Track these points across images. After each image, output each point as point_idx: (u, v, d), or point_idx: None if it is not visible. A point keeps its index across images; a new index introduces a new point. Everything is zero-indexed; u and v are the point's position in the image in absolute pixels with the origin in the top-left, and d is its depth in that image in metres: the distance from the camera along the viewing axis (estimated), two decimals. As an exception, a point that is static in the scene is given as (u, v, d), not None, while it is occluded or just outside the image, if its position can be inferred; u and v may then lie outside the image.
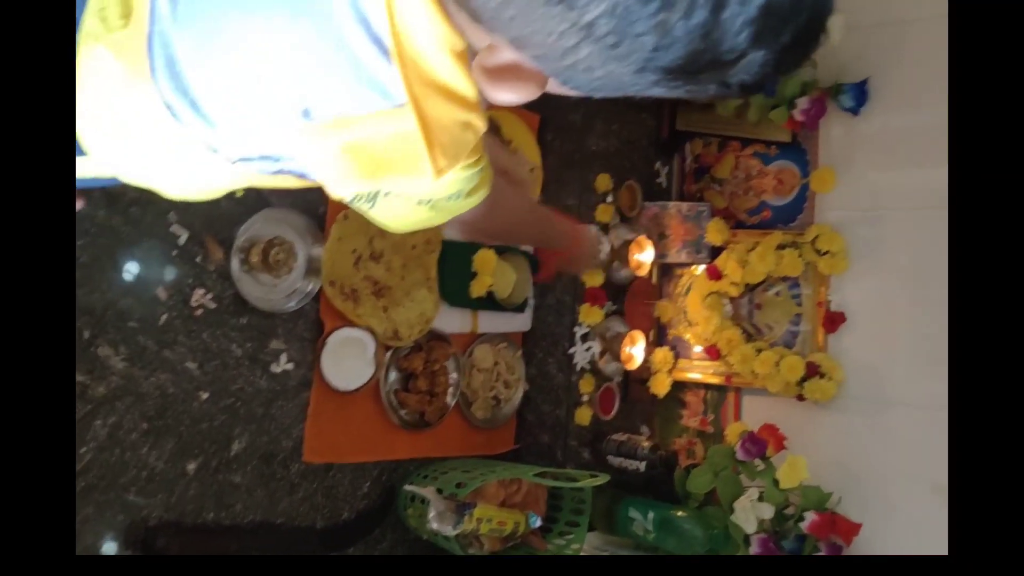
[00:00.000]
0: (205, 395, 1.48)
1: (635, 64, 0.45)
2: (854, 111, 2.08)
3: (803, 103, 2.02)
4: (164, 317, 1.43)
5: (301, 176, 0.65)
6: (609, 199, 2.14)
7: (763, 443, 1.98)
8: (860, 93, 2.07)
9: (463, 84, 0.54)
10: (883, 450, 2.03)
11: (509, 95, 0.54)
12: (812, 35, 0.46)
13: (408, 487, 1.60)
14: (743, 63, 0.45)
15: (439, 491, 1.59)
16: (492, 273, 1.93)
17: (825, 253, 2.09)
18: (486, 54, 0.53)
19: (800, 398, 2.07)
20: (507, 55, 0.51)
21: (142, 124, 0.68)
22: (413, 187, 0.60)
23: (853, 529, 1.85)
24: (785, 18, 0.44)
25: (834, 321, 2.09)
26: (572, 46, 0.45)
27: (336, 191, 0.61)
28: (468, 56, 0.54)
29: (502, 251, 1.97)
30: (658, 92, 0.48)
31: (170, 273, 1.44)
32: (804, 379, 2.06)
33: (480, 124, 0.57)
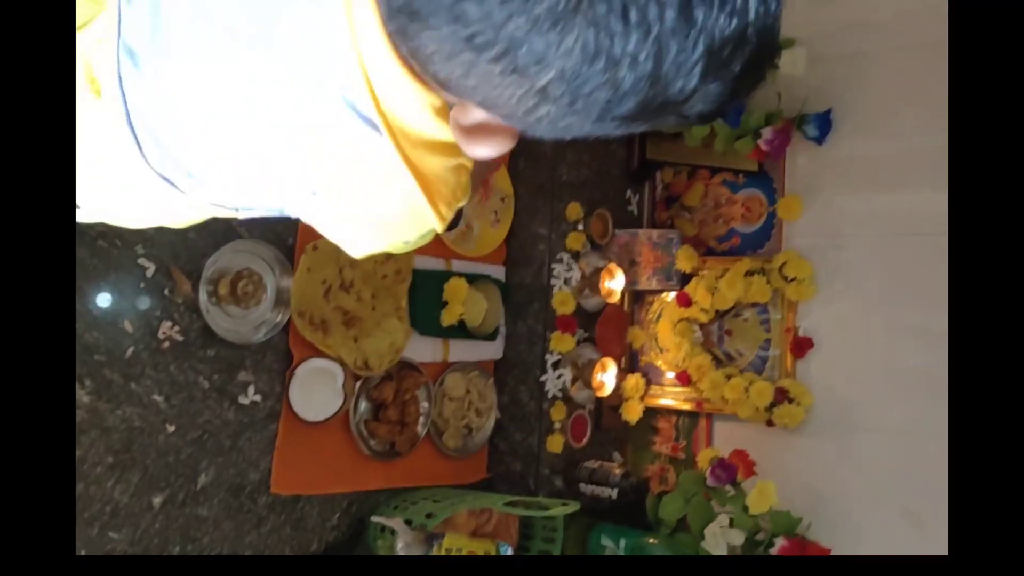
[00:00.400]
0: (172, 428, 1.48)
1: (594, 115, 0.48)
2: (818, 140, 2.12)
3: (767, 133, 2.06)
4: (131, 350, 1.43)
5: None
6: (580, 227, 2.16)
7: (733, 469, 1.99)
8: (824, 123, 2.11)
9: (447, 134, 0.58)
10: (852, 475, 2.05)
11: (485, 150, 0.57)
12: (763, 59, 0.48)
13: (376, 518, 1.60)
14: (698, 96, 0.47)
15: (408, 522, 1.59)
16: (463, 302, 1.94)
17: (792, 280, 2.12)
18: (459, 112, 0.55)
19: (770, 423, 2.09)
20: (478, 114, 0.54)
21: (137, 186, 0.70)
22: (420, 236, 0.65)
23: (823, 554, 1.86)
24: (731, 53, 0.45)
25: (802, 347, 2.12)
26: (532, 106, 0.48)
27: (351, 252, 0.66)
28: (447, 108, 0.57)
29: (473, 280, 1.98)
30: (622, 132, 0.51)
31: (137, 306, 1.44)
32: (773, 405, 2.08)
33: (468, 162, 0.61)
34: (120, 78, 0.64)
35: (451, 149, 0.58)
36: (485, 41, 0.44)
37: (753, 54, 0.46)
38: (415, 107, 0.55)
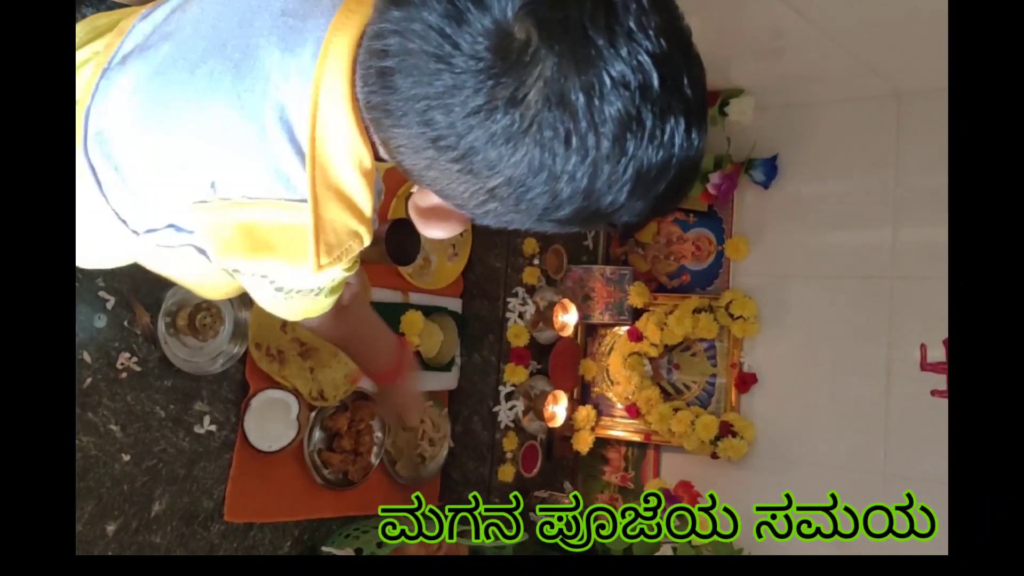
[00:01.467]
0: (127, 457, 1.50)
1: (534, 217, 0.55)
2: (764, 185, 2.21)
3: (715, 178, 2.15)
4: (89, 380, 1.46)
5: (202, 252, 0.70)
6: (536, 262, 2.23)
7: (678, 499, 2.07)
8: (770, 168, 2.21)
9: (362, 198, 0.63)
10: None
11: (438, 231, 0.64)
12: (683, 185, 0.56)
13: (327, 548, 1.64)
14: (625, 209, 0.55)
15: (359, 551, 1.63)
16: (419, 334, 1.99)
17: (738, 317, 2.20)
18: (419, 196, 0.63)
19: (714, 456, 2.17)
20: (435, 199, 0.61)
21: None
22: (289, 275, 0.67)
23: (787, 557, 1.93)
24: (656, 177, 0.53)
25: (746, 382, 2.20)
26: (482, 202, 0.55)
27: (217, 260, 0.68)
28: (373, 176, 0.63)
29: (429, 312, 2.04)
30: (557, 231, 0.59)
31: (96, 336, 1.48)
32: (718, 438, 2.16)
33: (367, 237, 0.65)
34: (98, 82, 0.70)
35: (358, 213, 0.63)
36: (448, 144, 0.52)
37: (675, 180, 0.54)
38: (346, 156, 0.61)
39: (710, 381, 2.26)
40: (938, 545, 1.92)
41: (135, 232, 0.73)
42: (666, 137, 0.51)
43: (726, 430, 2.16)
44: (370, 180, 0.63)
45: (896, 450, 2.02)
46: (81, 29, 0.79)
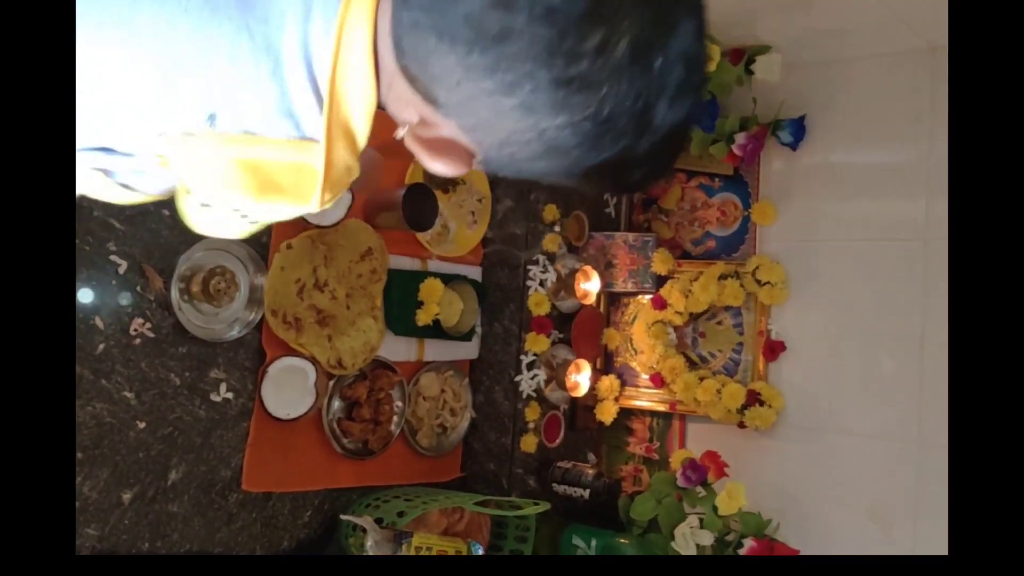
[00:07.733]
0: (142, 424, 1.48)
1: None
2: (792, 146, 2.14)
3: (741, 138, 2.08)
4: (102, 346, 1.43)
5: (112, 177, 0.64)
6: (556, 229, 2.18)
7: (704, 470, 2.02)
8: (798, 129, 2.13)
9: (363, 135, 0.60)
10: (820, 476, 2.08)
11: (443, 167, 0.60)
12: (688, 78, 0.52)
13: (345, 516, 1.61)
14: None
15: (379, 520, 1.60)
16: (439, 302, 1.95)
17: (765, 283, 2.14)
18: (422, 128, 0.58)
19: (741, 425, 2.12)
20: (444, 132, 0.57)
21: None
22: (289, 212, 0.64)
23: (791, 555, 1.89)
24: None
25: (774, 349, 2.14)
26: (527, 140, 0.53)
27: (204, 194, 0.63)
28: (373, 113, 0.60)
29: (448, 280, 1.99)
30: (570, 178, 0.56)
31: (109, 302, 1.45)
32: (745, 407, 2.10)
33: (356, 171, 0.63)
34: None
35: (355, 150, 0.60)
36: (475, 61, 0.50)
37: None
38: (358, 96, 0.57)
39: (736, 350, 2.21)
40: (903, 546, 1.89)
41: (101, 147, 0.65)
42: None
43: (753, 399, 2.11)
44: (371, 116, 0.59)
45: (932, 419, 1.95)
46: None
